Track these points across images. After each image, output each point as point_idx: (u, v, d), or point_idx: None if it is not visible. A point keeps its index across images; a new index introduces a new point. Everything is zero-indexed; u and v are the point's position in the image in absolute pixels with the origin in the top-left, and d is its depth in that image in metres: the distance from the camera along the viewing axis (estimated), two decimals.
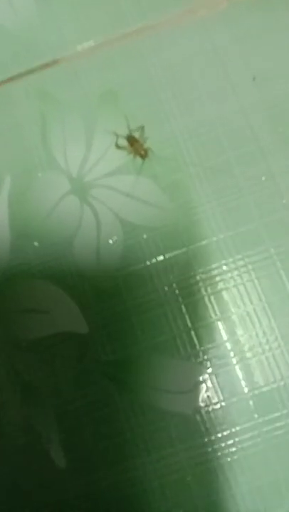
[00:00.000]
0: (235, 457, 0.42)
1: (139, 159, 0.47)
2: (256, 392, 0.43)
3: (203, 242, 0.46)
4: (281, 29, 0.49)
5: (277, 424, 0.43)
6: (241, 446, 0.42)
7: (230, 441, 0.43)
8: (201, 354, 0.44)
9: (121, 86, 0.49)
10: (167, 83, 0.49)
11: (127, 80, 0.49)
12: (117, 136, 0.48)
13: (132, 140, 0.47)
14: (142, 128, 0.48)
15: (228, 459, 0.42)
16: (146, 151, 0.47)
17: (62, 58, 0.49)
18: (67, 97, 0.49)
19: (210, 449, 0.43)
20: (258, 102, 0.48)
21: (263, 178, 0.46)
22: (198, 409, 0.43)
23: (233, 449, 0.43)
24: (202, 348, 0.44)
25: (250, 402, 0.43)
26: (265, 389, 0.43)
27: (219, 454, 0.42)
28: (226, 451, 0.42)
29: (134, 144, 0.47)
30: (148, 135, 0.47)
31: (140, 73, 0.49)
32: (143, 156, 0.47)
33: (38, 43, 0.50)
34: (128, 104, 0.48)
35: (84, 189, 0.47)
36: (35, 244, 0.46)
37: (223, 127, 0.48)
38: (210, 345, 0.44)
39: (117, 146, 0.48)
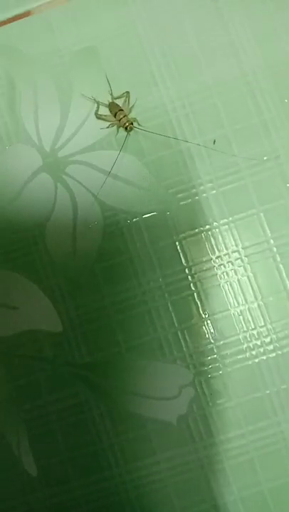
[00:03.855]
0: (220, 467, 0.39)
1: (122, 132, 0.41)
2: (246, 399, 0.39)
3: (194, 231, 0.40)
4: None
5: (266, 433, 0.39)
6: (227, 456, 0.39)
7: (216, 451, 0.39)
8: (187, 357, 0.40)
9: (102, 42, 0.42)
10: (156, 39, 0.42)
11: (108, 34, 0.43)
12: (98, 103, 0.41)
13: (115, 109, 0.41)
14: (127, 94, 0.41)
15: (213, 469, 0.39)
16: (131, 122, 0.40)
17: (35, 9, 0.42)
18: (40, 54, 0.42)
19: (193, 458, 0.39)
20: (263, 65, 0.41)
21: (265, 158, 0.40)
22: (182, 417, 0.40)
23: (219, 459, 0.39)
24: (189, 350, 0.40)
25: (239, 410, 0.39)
26: (255, 396, 0.39)
27: (203, 463, 0.39)
28: (211, 460, 0.39)
29: (118, 114, 0.40)
30: (132, 102, 0.41)
31: (124, 26, 0.43)
32: (128, 129, 0.40)
33: None
34: (110, 64, 0.42)
35: (58, 166, 0.41)
36: (2, 229, 0.41)
37: (220, 95, 0.41)
38: (198, 348, 0.40)
39: (98, 116, 0.41)
